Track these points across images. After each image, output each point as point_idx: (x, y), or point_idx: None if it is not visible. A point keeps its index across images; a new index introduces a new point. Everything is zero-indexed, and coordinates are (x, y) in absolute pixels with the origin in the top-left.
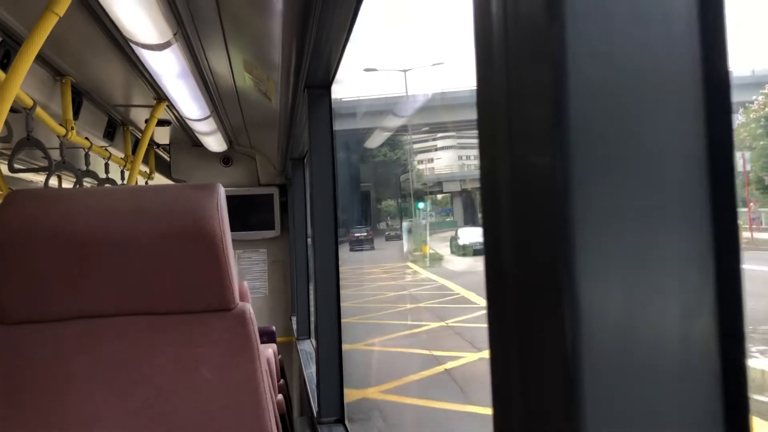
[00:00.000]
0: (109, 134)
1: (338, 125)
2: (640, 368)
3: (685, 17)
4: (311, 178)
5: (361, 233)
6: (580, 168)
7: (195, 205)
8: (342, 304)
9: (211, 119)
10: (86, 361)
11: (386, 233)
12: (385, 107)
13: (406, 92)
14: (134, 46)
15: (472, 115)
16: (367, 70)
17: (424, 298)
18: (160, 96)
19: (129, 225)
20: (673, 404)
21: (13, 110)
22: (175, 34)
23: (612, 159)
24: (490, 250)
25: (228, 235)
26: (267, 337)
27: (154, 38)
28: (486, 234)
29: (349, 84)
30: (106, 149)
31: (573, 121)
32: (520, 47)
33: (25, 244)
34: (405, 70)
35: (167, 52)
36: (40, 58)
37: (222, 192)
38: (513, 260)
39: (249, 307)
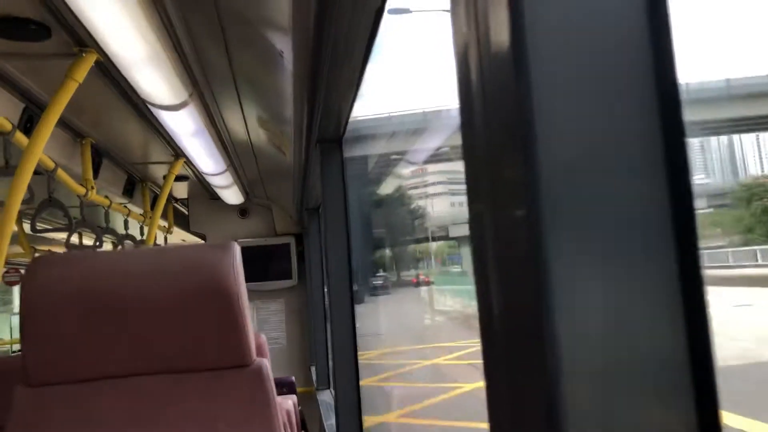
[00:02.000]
0: (128, 191)
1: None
2: (617, 386)
3: (641, 82)
4: (325, 231)
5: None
6: (552, 218)
7: (211, 264)
8: None
9: (227, 173)
10: (109, 420)
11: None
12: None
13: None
14: (151, 107)
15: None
16: None
17: None
18: (178, 153)
19: (148, 285)
20: (650, 418)
21: (35, 172)
22: (190, 95)
23: (580, 207)
24: (481, 289)
25: (244, 292)
26: (287, 388)
27: (170, 99)
28: (477, 273)
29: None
30: (125, 206)
31: (544, 176)
32: (496, 114)
33: (49, 309)
34: None
35: (183, 111)
36: (61, 122)
37: (237, 250)
38: (501, 301)
39: (266, 363)
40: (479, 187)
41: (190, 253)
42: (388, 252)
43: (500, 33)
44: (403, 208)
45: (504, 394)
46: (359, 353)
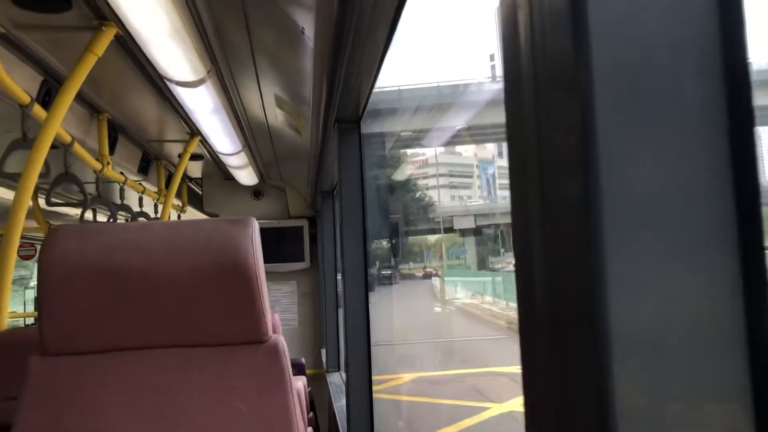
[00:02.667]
0: (143, 169)
1: None
2: (672, 385)
3: (710, 55)
4: (341, 212)
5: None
6: (611, 196)
7: (230, 239)
8: None
9: (242, 153)
10: (123, 393)
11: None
12: None
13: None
14: (169, 84)
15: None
16: None
17: None
18: (194, 131)
19: (166, 259)
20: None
21: (52, 146)
22: (208, 72)
23: (640, 183)
24: (521, 274)
25: (262, 269)
26: (297, 369)
27: (188, 76)
28: (518, 260)
29: None
30: (140, 183)
31: (601, 150)
32: (547, 79)
33: (65, 279)
34: None
35: (201, 88)
36: (79, 96)
37: (256, 226)
38: (548, 292)
39: (282, 340)
40: (525, 165)
41: (208, 227)
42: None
43: None
44: (409, 195)
45: (545, 391)
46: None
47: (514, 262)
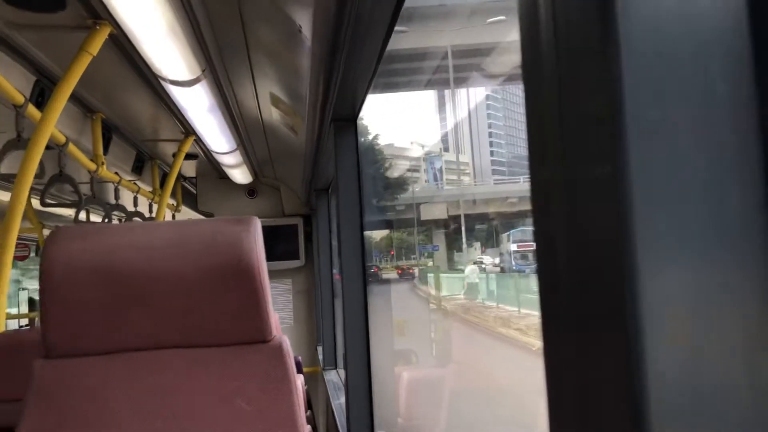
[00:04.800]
0: (138, 168)
1: None
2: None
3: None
4: (338, 209)
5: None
6: (643, 176)
7: (233, 239)
8: None
9: (237, 152)
10: (127, 394)
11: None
12: None
13: None
14: (163, 83)
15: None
16: None
17: None
18: (188, 130)
19: (169, 259)
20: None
21: (47, 147)
22: (203, 71)
23: (676, 162)
24: (543, 269)
25: (265, 268)
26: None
27: (183, 75)
28: (540, 255)
29: None
30: (134, 183)
31: (631, 123)
32: (570, 45)
33: (68, 280)
34: None
35: (196, 87)
36: (73, 96)
37: (258, 225)
38: (573, 289)
39: (286, 339)
40: (546, 148)
41: (211, 226)
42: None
43: None
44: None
45: (570, 392)
46: None
47: (536, 256)
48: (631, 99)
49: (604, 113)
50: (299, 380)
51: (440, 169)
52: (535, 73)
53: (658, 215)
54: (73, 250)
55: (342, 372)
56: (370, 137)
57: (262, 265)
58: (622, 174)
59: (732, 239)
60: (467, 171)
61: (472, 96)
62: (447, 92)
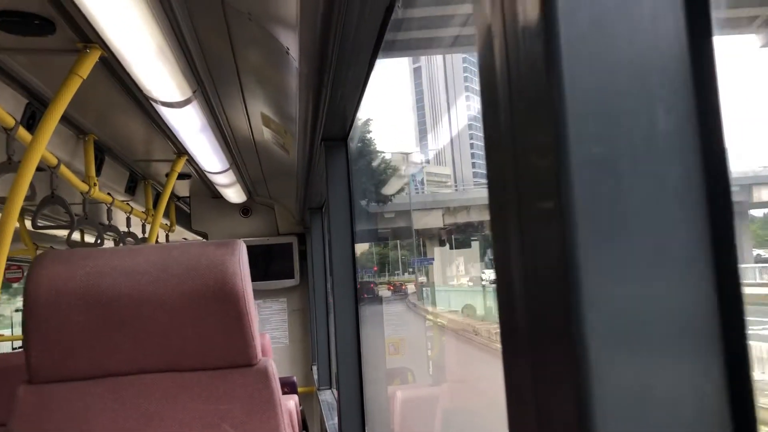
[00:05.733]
0: (131, 189)
1: None
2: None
3: (680, 74)
4: (330, 229)
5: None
6: (588, 208)
7: (217, 262)
8: None
9: (230, 172)
10: (112, 419)
11: None
12: None
13: None
14: (155, 104)
15: None
16: None
17: None
18: (180, 150)
19: (153, 284)
20: None
21: (38, 169)
22: (194, 92)
23: (620, 194)
24: (501, 285)
25: (250, 291)
26: (288, 387)
27: (174, 96)
28: (499, 271)
29: None
30: (127, 203)
31: (575, 157)
32: (522, 95)
33: (53, 305)
34: None
35: (187, 108)
36: (64, 118)
37: (243, 248)
38: (526, 299)
39: (271, 363)
40: (504, 178)
41: (196, 250)
42: None
43: (530, 12)
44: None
45: (526, 398)
46: None
47: (495, 278)
48: (574, 133)
49: (549, 147)
50: (292, 400)
51: (422, 181)
52: (491, 111)
53: (603, 246)
54: (58, 274)
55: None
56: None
57: (247, 288)
58: (566, 206)
59: (676, 268)
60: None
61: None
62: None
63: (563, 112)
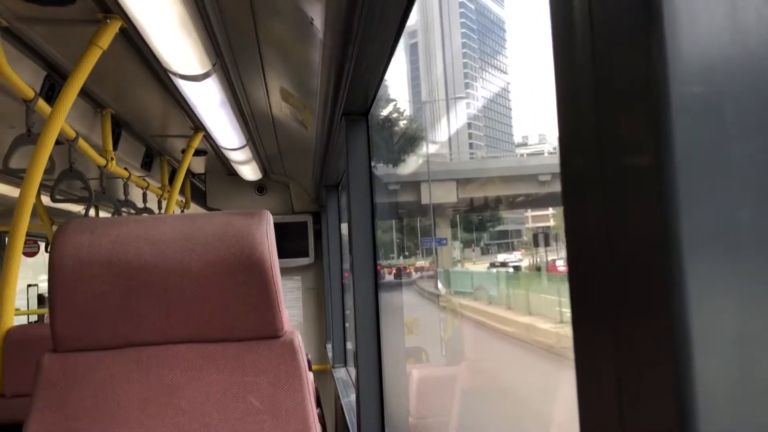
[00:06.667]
0: (147, 164)
1: None
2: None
3: None
4: (349, 205)
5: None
6: (688, 163)
7: (245, 232)
8: None
9: (246, 148)
10: (136, 388)
11: None
12: None
13: None
14: (173, 77)
15: None
16: None
17: None
18: (197, 126)
19: (180, 253)
20: None
21: (56, 142)
22: (214, 65)
23: (723, 145)
24: (575, 269)
25: (276, 263)
26: None
27: (193, 69)
28: (571, 247)
29: None
30: (143, 179)
31: (675, 117)
32: (607, 20)
33: (77, 274)
34: None
35: (206, 82)
36: (83, 92)
37: (270, 219)
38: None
39: (297, 335)
40: (580, 136)
41: (221, 219)
42: None
43: None
44: None
45: (605, 379)
46: None
47: (567, 256)
48: (674, 70)
49: (643, 87)
50: (310, 377)
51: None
52: (566, 52)
53: (706, 206)
54: (82, 242)
55: (351, 370)
56: None
57: (274, 259)
58: (664, 162)
59: None
60: None
61: None
62: None
63: (662, 42)
